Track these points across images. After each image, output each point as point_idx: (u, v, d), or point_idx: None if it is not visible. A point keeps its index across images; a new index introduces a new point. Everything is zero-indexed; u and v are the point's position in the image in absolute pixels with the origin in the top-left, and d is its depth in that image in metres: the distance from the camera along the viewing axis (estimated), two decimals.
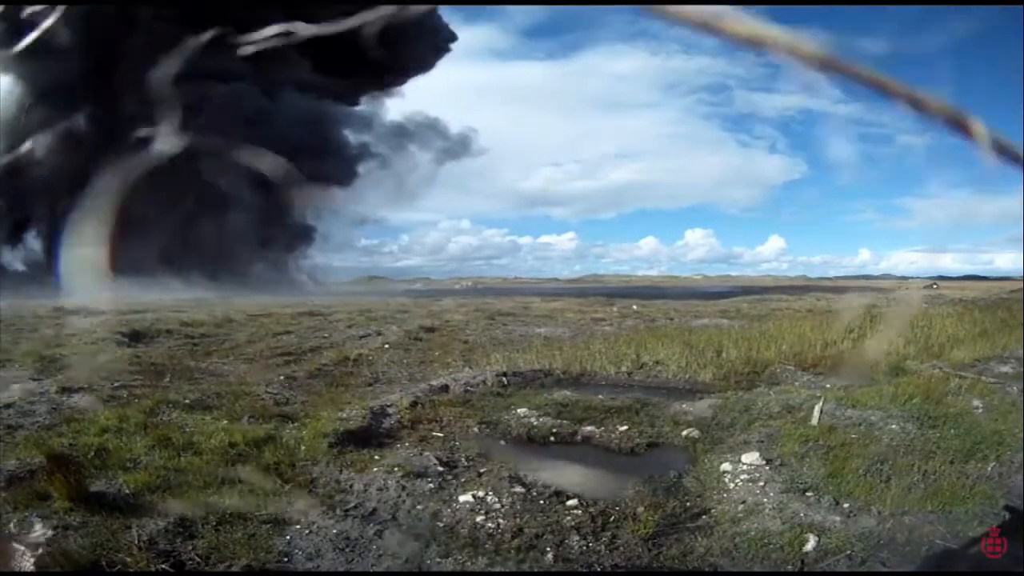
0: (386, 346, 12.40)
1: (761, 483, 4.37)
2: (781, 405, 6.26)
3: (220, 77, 38.28)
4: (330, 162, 46.56)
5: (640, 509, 3.88)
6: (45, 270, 38.25)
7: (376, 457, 4.89)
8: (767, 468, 4.60)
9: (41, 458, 4.31)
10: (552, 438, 5.80)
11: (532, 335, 14.33)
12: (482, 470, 4.59)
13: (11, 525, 3.33)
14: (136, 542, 3.31)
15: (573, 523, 3.80)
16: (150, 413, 6.00)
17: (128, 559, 3.19)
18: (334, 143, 47.36)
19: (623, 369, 8.85)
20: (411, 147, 53.00)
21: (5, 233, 41.36)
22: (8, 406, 6.49)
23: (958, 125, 0.60)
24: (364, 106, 49.44)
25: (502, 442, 5.69)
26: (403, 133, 52.19)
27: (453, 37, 50.46)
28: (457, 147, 54.80)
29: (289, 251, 49.54)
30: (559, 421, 6.07)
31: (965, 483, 4.24)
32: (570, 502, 4.07)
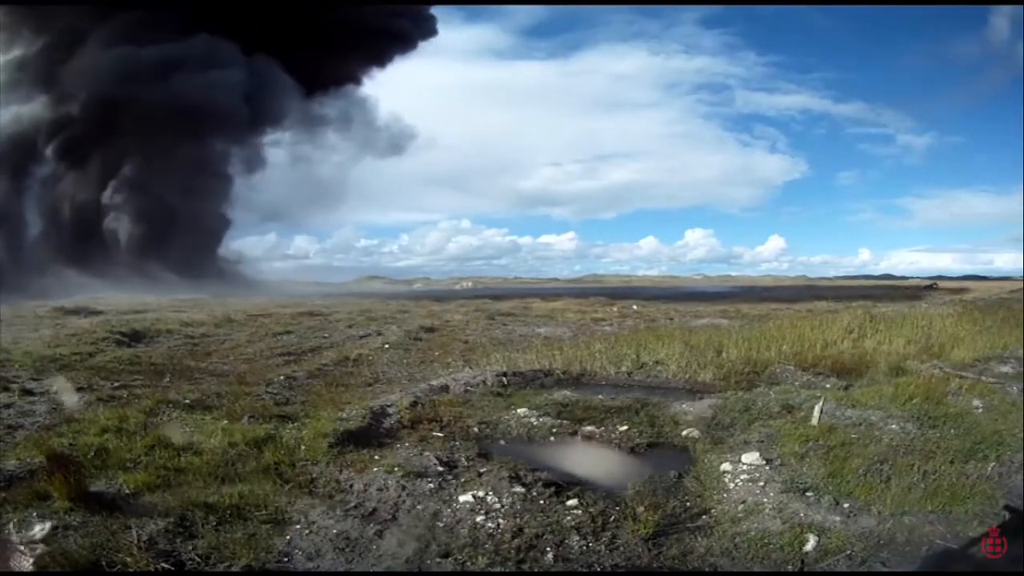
0: (386, 346, 12.40)
1: (761, 483, 4.37)
2: (781, 405, 6.26)
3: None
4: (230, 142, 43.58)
5: (640, 509, 3.87)
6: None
7: (376, 457, 4.89)
8: (767, 468, 4.60)
9: (41, 458, 4.31)
10: (552, 438, 5.79)
11: (532, 335, 14.35)
12: (482, 470, 4.59)
13: (11, 525, 3.32)
14: (136, 542, 3.31)
15: (573, 523, 3.79)
16: (150, 413, 6.00)
17: (128, 559, 3.19)
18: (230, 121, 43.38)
19: (623, 369, 8.85)
20: (332, 138, 49.96)
21: None
22: (8, 406, 6.50)
23: None
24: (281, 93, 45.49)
25: (502, 442, 5.69)
26: (324, 123, 48.86)
27: (430, 34, 48.91)
28: (389, 142, 51.63)
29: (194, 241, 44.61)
30: (559, 421, 6.07)
31: (965, 483, 4.24)
32: (570, 502, 4.07)
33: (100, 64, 38.99)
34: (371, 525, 3.74)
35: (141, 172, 41.97)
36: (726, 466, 4.71)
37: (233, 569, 3.23)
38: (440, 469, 4.60)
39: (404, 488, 4.23)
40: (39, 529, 3.25)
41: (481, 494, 4.09)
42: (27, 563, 2.99)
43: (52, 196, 42.87)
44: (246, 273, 48.24)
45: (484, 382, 7.83)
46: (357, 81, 48.51)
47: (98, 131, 40.43)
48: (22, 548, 3.03)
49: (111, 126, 40.17)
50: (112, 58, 38.87)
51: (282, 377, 8.72)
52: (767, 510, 3.97)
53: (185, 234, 43.25)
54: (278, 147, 50.08)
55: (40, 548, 3.07)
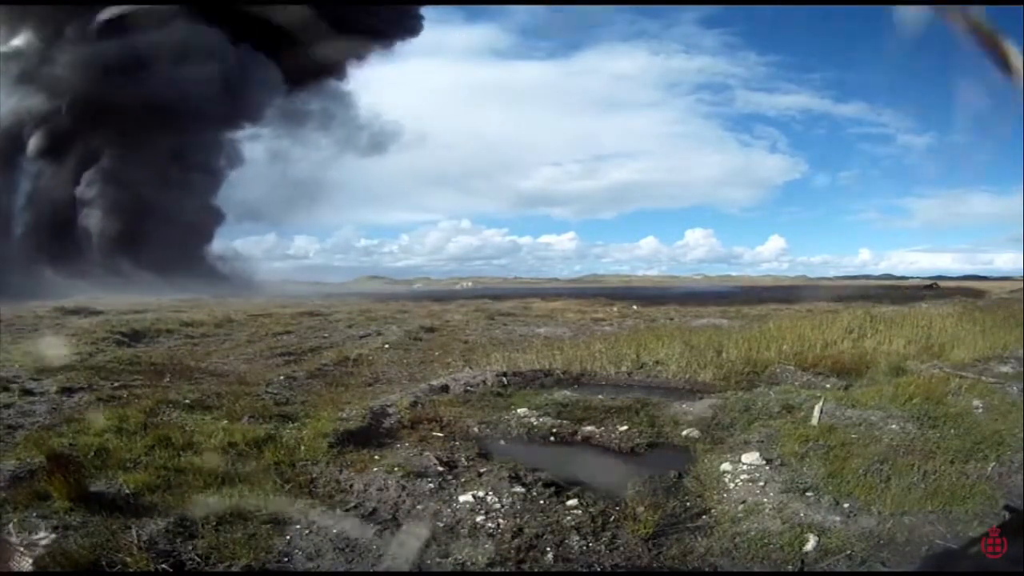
0: (386, 346, 12.40)
1: (761, 483, 4.37)
2: (781, 405, 6.26)
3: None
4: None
5: (640, 509, 3.88)
6: None
7: (376, 457, 4.89)
8: (767, 468, 4.60)
9: (41, 458, 4.31)
10: (552, 438, 5.79)
11: (532, 335, 14.34)
12: (482, 470, 4.59)
13: (11, 526, 3.32)
14: (136, 542, 3.31)
15: (573, 523, 3.79)
16: (150, 413, 6.00)
17: (128, 559, 3.19)
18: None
19: (623, 369, 8.85)
20: (311, 135, 47.99)
21: None
22: (8, 406, 6.50)
23: (994, 47, 0.60)
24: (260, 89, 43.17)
25: (502, 442, 5.69)
26: (303, 119, 46.60)
27: (411, 32, 47.37)
28: (369, 140, 49.52)
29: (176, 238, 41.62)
30: (559, 421, 6.07)
31: (965, 483, 4.24)
32: (570, 502, 4.07)
33: (74, 59, 38.36)
34: (371, 525, 3.74)
35: (115, 164, 40.60)
36: (726, 466, 4.71)
37: (233, 569, 3.23)
38: (440, 469, 4.60)
39: (404, 488, 4.23)
40: (43, 535, 3.25)
41: (481, 494, 4.09)
42: (27, 563, 2.99)
43: (33, 192, 42.00)
44: (239, 272, 46.49)
45: (484, 382, 7.83)
46: (337, 76, 46.85)
47: (74, 126, 39.65)
48: (22, 549, 3.03)
49: (86, 120, 39.35)
50: (86, 53, 38.12)
51: (282, 377, 8.71)
52: (767, 510, 3.97)
53: (164, 229, 40.82)
54: (255, 142, 48.62)
55: (40, 549, 3.07)
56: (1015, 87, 0.61)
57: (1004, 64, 0.61)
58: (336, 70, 46.56)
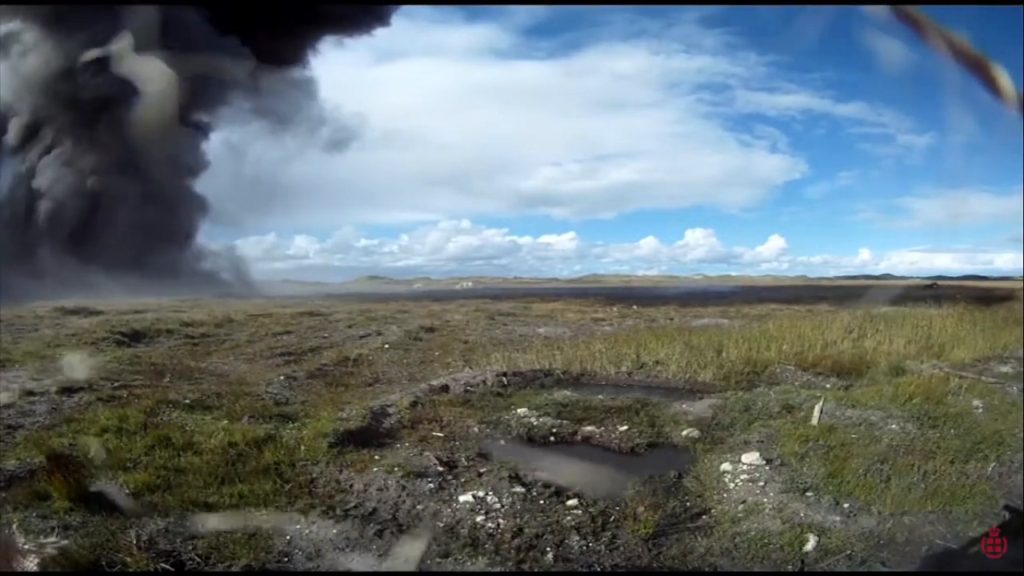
0: (386, 346, 12.40)
1: (761, 483, 4.37)
2: (781, 405, 6.26)
3: None
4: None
5: (640, 509, 3.88)
6: None
7: (376, 457, 4.89)
8: (767, 468, 4.60)
9: (41, 458, 4.32)
10: (552, 438, 5.79)
11: (532, 335, 14.34)
12: (482, 470, 4.59)
13: (14, 526, 3.32)
14: (136, 542, 3.31)
15: (573, 523, 3.79)
16: (150, 413, 6.01)
17: (128, 559, 3.19)
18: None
19: (623, 369, 8.85)
20: (266, 128, 45.75)
21: None
22: (8, 406, 6.50)
23: (981, 71, 0.60)
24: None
25: (502, 442, 5.69)
26: (258, 114, 44.57)
27: (370, 26, 46.01)
28: (329, 138, 47.80)
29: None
30: (559, 421, 6.07)
31: (965, 483, 4.24)
32: (570, 502, 4.07)
33: (40, 47, 37.26)
34: (371, 525, 3.74)
35: (71, 155, 38.94)
36: (726, 466, 4.71)
37: (233, 569, 3.23)
38: (440, 469, 4.60)
39: (404, 488, 4.23)
40: (52, 540, 3.25)
41: (481, 494, 4.09)
42: (32, 564, 3.00)
43: (13, 187, 40.27)
44: (231, 273, 44.57)
45: (484, 382, 7.83)
46: (301, 65, 45.13)
47: (39, 117, 38.68)
48: (28, 549, 3.03)
49: (50, 111, 38.31)
50: (51, 41, 36.99)
51: (282, 377, 8.71)
52: (767, 510, 3.97)
53: (127, 225, 38.14)
54: (217, 135, 46.14)
55: (47, 551, 3.07)
56: (1008, 109, 0.62)
57: (993, 86, 0.62)
58: (299, 59, 44.73)
